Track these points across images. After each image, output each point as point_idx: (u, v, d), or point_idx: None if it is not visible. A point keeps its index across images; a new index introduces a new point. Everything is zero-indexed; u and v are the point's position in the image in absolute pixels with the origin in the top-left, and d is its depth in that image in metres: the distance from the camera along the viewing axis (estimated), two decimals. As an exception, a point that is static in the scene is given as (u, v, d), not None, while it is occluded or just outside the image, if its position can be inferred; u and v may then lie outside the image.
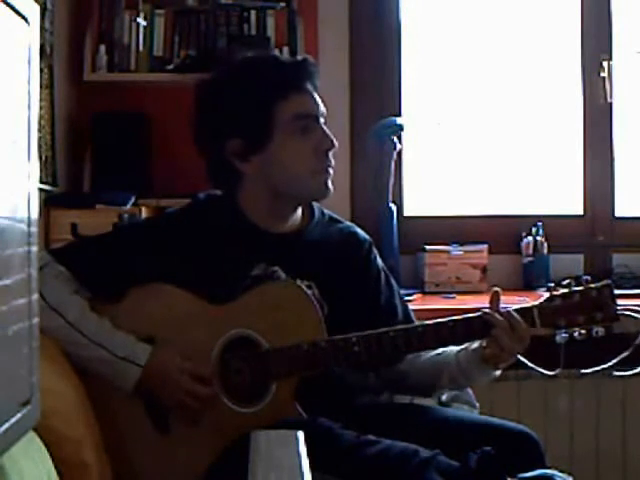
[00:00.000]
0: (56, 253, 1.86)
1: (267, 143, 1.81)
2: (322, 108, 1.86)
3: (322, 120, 1.85)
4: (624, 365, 1.97)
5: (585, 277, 1.82)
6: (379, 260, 1.98)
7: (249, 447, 1.10)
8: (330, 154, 1.84)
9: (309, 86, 1.84)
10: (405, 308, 1.97)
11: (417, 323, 1.85)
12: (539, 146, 3.24)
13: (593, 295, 1.77)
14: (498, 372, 1.83)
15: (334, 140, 1.84)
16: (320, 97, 1.87)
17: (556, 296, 1.78)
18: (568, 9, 3.21)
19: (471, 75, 3.23)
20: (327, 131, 1.84)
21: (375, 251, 1.98)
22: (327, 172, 1.84)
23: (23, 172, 0.99)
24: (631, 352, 1.84)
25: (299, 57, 1.88)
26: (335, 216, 1.99)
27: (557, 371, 1.83)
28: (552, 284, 1.81)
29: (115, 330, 1.77)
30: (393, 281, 1.98)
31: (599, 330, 1.76)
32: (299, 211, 1.92)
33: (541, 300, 1.79)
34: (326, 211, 1.98)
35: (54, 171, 2.76)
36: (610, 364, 1.85)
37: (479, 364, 1.79)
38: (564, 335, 1.78)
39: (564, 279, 1.82)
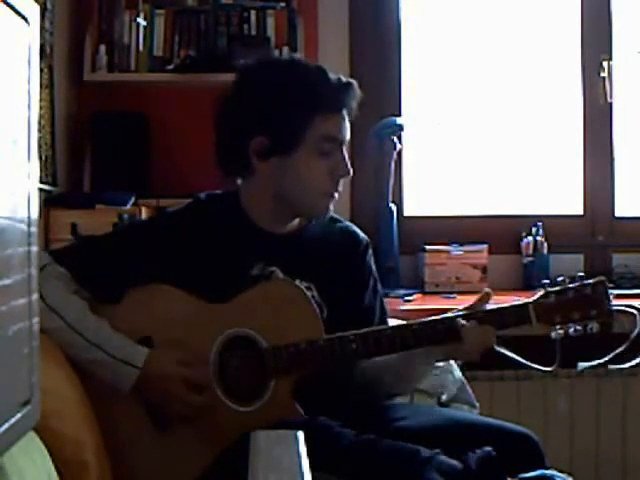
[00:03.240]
0: (56, 254, 1.86)
1: (291, 151, 1.82)
2: (348, 135, 1.87)
3: (345, 147, 1.87)
4: (622, 361, 1.98)
5: (580, 274, 1.83)
6: (372, 262, 1.98)
7: (249, 447, 1.10)
8: (341, 180, 1.86)
9: (346, 111, 1.85)
10: (382, 315, 1.96)
11: (413, 320, 1.84)
12: (539, 146, 3.24)
13: (587, 292, 1.79)
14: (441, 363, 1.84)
15: (350, 169, 1.86)
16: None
17: (551, 293, 1.79)
18: (568, 9, 3.22)
19: (471, 75, 3.23)
20: (347, 159, 1.86)
21: (371, 252, 1.99)
22: (332, 196, 1.86)
23: (23, 172, 0.99)
24: (628, 347, 1.84)
25: (345, 79, 1.86)
26: (335, 216, 1.99)
27: (554, 367, 1.84)
28: (547, 281, 1.82)
29: (114, 332, 1.78)
30: (380, 287, 1.98)
31: (594, 326, 1.77)
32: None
33: (536, 297, 1.80)
34: (326, 211, 1.98)
35: (54, 171, 2.76)
36: (607, 359, 1.85)
37: (423, 352, 1.79)
38: (559, 332, 1.78)
39: (558, 276, 1.82)
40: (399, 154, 2.96)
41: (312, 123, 1.81)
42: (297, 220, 1.92)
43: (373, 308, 1.94)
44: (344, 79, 1.86)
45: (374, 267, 1.98)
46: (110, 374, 1.75)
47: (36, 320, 1.02)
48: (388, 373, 1.86)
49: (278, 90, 1.83)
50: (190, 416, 1.77)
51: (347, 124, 1.86)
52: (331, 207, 1.88)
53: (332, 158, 1.84)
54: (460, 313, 1.79)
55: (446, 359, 1.84)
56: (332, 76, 1.85)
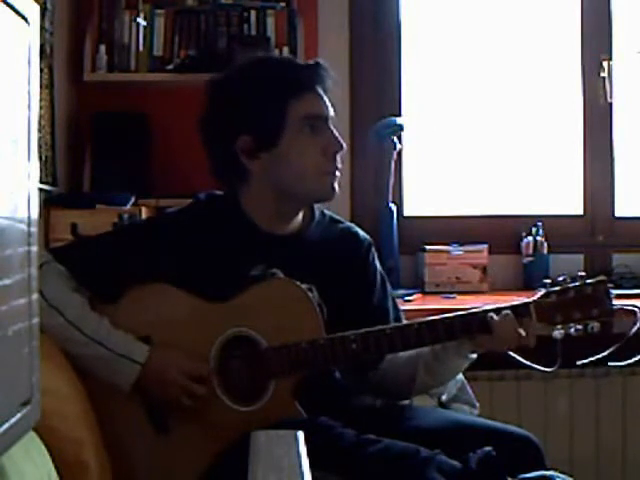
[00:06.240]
0: (56, 252, 1.86)
1: (277, 141, 1.82)
2: (332, 111, 1.87)
3: (331, 123, 1.86)
4: (621, 359, 1.99)
5: (580, 273, 1.83)
6: (377, 262, 1.98)
7: (249, 447, 1.10)
8: (338, 157, 1.85)
9: (321, 89, 1.85)
10: (397, 313, 1.96)
11: (413, 320, 1.84)
12: (539, 146, 3.24)
13: (588, 291, 1.79)
14: (474, 355, 1.84)
15: (343, 143, 1.85)
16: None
17: (552, 292, 1.79)
18: (568, 9, 3.22)
19: (471, 75, 3.23)
20: (336, 133, 1.85)
21: (374, 252, 1.99)
22: (334, 174, 1.85)
23: (23, 172, 0.99)
24: (628, 345, 1.84)
25: (313, 61, 1.89)
26: (336, 217, 1.99)
27: (555, 367, 1.84)
28: (548, 281, 1.82)
29: (114, 329, 1.78)
30: (388, 285, 1.98)
31: (594, 326, 1.78)
32: (301, 213, 1.92)
33: (537, 296, 1.80)
34: (327, 212, 1.98)
35: (54, 171, 2.76)
36: (605, 353, 1.85)
37: (455, 348, 1.79)
38: (560, 331, 1.78)
39: (559, 276, 1.82)
40: (399, 154, 2.96)
41: (288, 108, 1.81)
42: (299, 220, 1.91)
43: (385, 308, 1.94)
44: (312, 61, 1.88)
45: (379, 267, 1.98)
46: (111, 370, 1.75)
47: (36, 320, 1.02)
48: (420, 368, 1.86)
49: (247, 87, 1.84)
50: (190, 408, 1.76)
51: (326, 101, 1.86)
52: (336, 187, 1.85)
53: (321, 136, 1.83)
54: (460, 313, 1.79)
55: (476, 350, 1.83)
56: (299, 62, 1.87)
